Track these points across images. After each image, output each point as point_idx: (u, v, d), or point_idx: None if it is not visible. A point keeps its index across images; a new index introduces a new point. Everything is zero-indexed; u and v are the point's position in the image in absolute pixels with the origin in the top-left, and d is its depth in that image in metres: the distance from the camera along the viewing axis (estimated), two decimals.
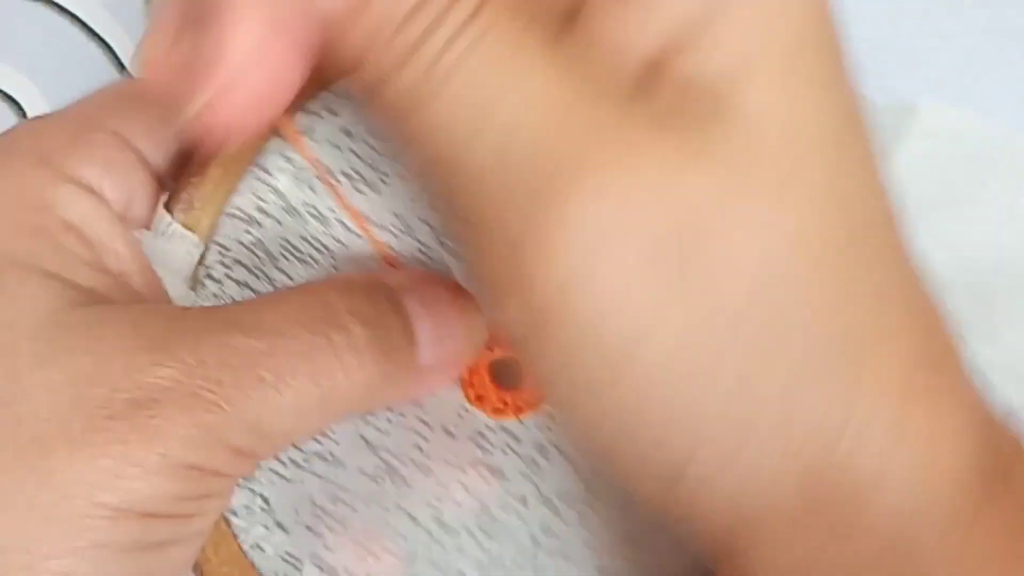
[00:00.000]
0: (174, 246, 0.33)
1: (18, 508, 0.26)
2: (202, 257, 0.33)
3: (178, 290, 0.33)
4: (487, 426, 0.34)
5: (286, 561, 0.33)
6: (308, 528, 0.33)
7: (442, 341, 0.31)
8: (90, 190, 0.31)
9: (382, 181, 0.34)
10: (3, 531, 0.26)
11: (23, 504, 0.26)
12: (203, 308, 0.29)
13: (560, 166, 0.24)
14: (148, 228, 0.33)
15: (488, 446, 0.34)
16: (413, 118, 0.25)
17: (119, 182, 0.32)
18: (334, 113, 0.34)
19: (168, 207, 0.33)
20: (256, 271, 0.33)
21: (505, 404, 0.34)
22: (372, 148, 0.34)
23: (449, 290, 0.32)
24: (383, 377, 0.29)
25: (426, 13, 0.24)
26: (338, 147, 0.34)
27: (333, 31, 0.25)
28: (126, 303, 0.29)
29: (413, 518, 0.34)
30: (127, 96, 0.33)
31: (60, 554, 0.26)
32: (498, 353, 0.34)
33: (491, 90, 0.24)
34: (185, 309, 0.29)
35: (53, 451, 0.26)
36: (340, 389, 0.29)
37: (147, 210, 0.33)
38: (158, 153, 0.33)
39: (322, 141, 0.33)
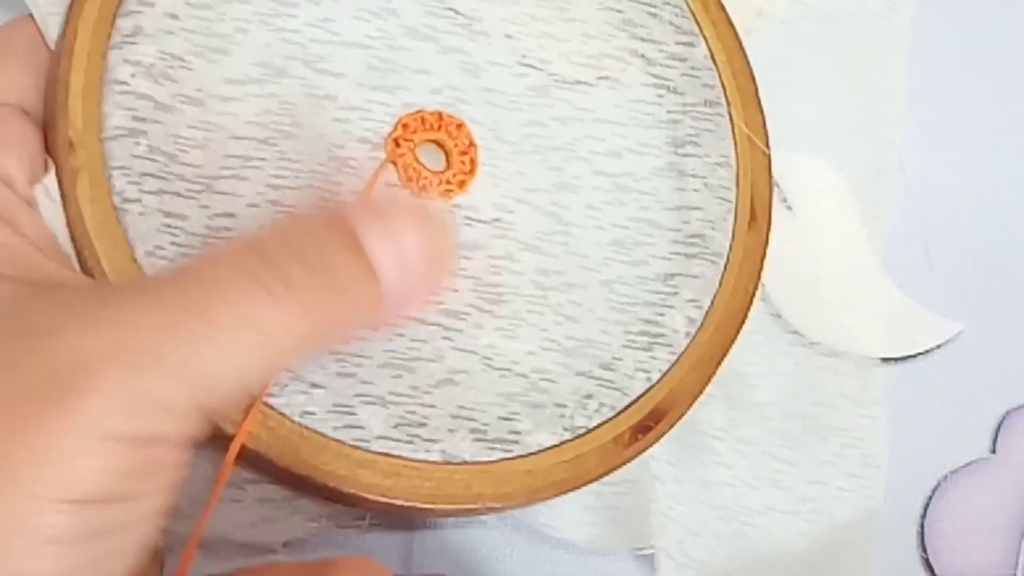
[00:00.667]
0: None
1: None
2: (110, 187, 0.32)
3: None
4: (442, 208, 0.35)
5: (339, 412, 0.33)
6: (339, 374, 0.33)
7: (407, 262, 0.30)
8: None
9: (230, 43, 0.34)
10: None
11: None
12: (126, 280, 0.28)
13: None
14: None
15: (452, 226, 0.35)
16: None
17: (16, 153, 0.31)
18: (150, 4, 0.33)
19: (55, 162, 0.32)
20: (164, 175, 0.33)
21: (449, 183, 0.36)
22: (201, 19, 0.34)
23: (417, 207, 0.31)
24: (332, 317, 0.28)
25: None
26: (171, 32, 0.34)
27: None
28: (43, 285, 0.28)
29: (421, 320, 0.34)
30: None
31: (8, 556, 0.24)
32: (417, 142, 0.35)
33: None
34: (101, 281, 0.28)
35: None
36: (283, 334, 0.27)
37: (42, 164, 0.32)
38: (36, 97, 0.32)
39: (154, 32, 0.33)
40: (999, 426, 0.43)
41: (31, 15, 0.33)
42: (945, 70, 0.46)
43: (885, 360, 0.42)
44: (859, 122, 0.44)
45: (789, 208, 0.42)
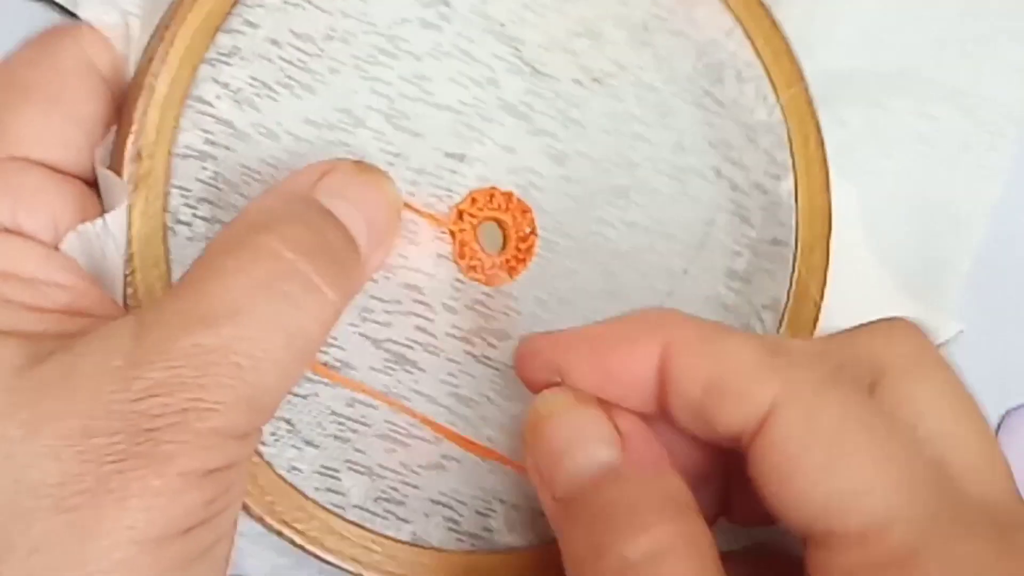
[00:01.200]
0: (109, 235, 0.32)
1: (65, 568, 0.25)
2: (165, 204, 0.32)
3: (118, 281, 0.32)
4: (484, 293, 0.35)
5: (324, 474, 0.33)
6: (335, 437, 0.33)
7: (372, 223, 0.32)
8: (6, 231, 0.30)
9: (319, 82, 0.33)
10: None
11: (68, 563, 0.25)
12: (156, 310, 0.28)
13: None
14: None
15: (488, 312, 0.35)
16: None
17: (35, 207, 0.31)
18: (255, 26, 0.33)
19: (114, 169, 0.31)
20: (222, 204, 0.32)
21: (498, 267, 0.35)
22: (301, 51, 0.33)
23: (355, 167, 0.32)
24: (343, 292, 0.30)
25: (610, 528, 0.28)
26: (268, 59, 0.33)
27: None
28: (84, 340, 0.28)
29: (431, 399, 0.35)
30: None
31: None
32: (481, 218, 0.35)
33: None
34: (139, 320, 0.27)
35: (80, 507, 0.26)
36: (312, 331, 0.29)
37: (76, 213, 0.31)
38: (61, 148, 0.32)
39: (251, 56, 0.33)
40: (999, 426, 0.43)
41: (55, 37, 0.32)
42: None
43: None
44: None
45: None
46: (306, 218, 0.30)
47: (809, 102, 0.39)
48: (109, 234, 0.31)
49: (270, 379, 0.28)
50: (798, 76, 0.39)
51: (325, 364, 0.33)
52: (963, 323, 0.43)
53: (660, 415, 0.31)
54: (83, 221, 0.31)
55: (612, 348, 0.31)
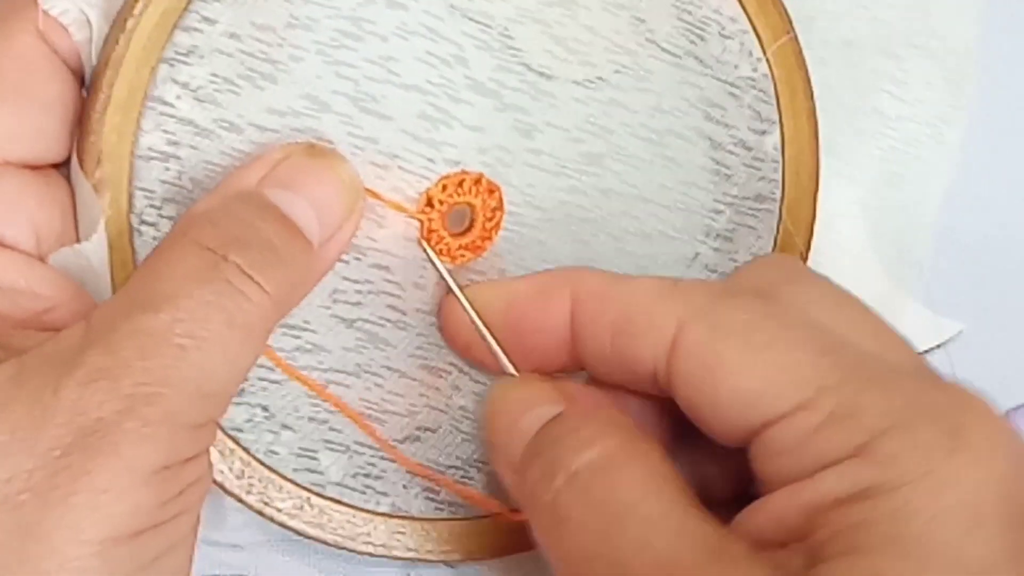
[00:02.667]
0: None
1: (9, 568, 0.25)
2: (130, 206, 0.32)
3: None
4: (448, 270, 0.35)
5: (301, 456, 0.35)
6: (311, 419, 0.34)
7: (323, 211, 0.32)
8: None
9: (281, 71, 0.33)
10: None
11: (13, 563, 0.25)
12: (102, 305, 0.28)
13: None
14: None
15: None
16: (548, 536, 0.30)
17: (14, 217, 0.31)
18: (213, 22, 0.32)
19: (83, 168, 0.32)
20: (187, 202, 0.33)
21: (464, 248, 0.35)
22: (262, 41, 0.33)
23: (306, 154, 0.32)
24: (281, 283, 0.30)
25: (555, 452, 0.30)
26: (228, 53, 0.32)
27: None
28: (40, 344, 0.28)
29: (403, 374, 0.35)
30: None
31: None
32: (450, 204, 0.35)
33: (604, 525, 0.28)
34: (88, 318, 0.28)
35: (23, 507, 0.26)
36: (255, 315, 0.29)
37: (57, 215, 0.32)
38: (35, 141, 0.32)
39: (210, 54, 0.32)
40: None
41: (7, 23, 0.31)
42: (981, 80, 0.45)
43: None
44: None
45: None
46: (238, 213, 0.30)
47: (798, 53, 0.38)
48: (85, 258, 0.31)
49: (216, 362, 0.28)
50: (786, 27, 0.38)
51: (297, 348, 0.34)
52: (963, 323, 0.43)
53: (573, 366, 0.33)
54: (64, 219, 0.32)
55: (524, 300, 0.33)
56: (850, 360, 0.29)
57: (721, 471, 0.32)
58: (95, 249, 0.31)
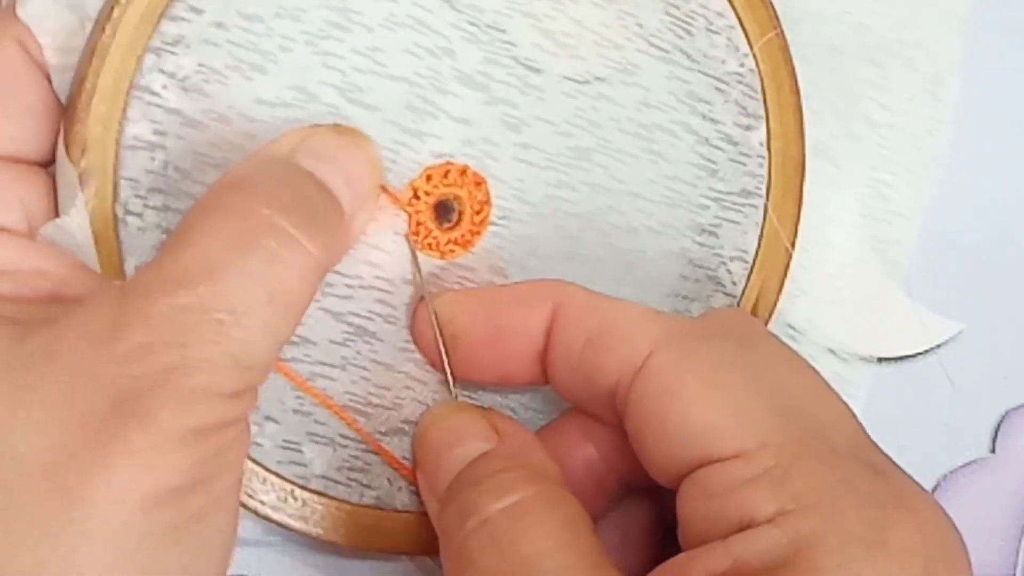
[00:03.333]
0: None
1: (54, 533, 0.26)
2: (115, 195, 0.32)
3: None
4: (439, 267, 0.35)
5: (286, 448, 0.34)
6: (295, 411, 0.34)
7: (353, 183, 0.32)
8: None
9: (270, 61, 0.33)
10: (46, 561, 0.26)
11: (57, 528, 0.26)
12: (136, 278, 0.28)
13: None
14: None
15: (444, 284, 0.35)
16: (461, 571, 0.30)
17: (6, 201, 0.31)
18: (199, 11, 0.32)
19: (69, 157, 0.31)
20: (173, 192, 0.32)
21: (453, 243, 0.35)
22: (249, 31, 0.33)
23: (333, 131, 0.32)
24: (325, 248, 0.30)
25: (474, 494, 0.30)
26: (215, 43, 0.32)
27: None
28: (68, 314, 0.28)
29: (390, 367, 0.35)
30: None
31: (110, 561, 0.26)
32: (436, 196, 0.35)
33: (516, 567, 0.29)
34: (119, 290, 0.28)
35: (64, 471, 0.26)
36: (294, 285, 0.29)
37: (47, 202, 0.32)
38: (19, 140, 0.32)
39: (197, 43, 0.32)
40: (998, 426, 0.44)
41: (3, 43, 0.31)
42: (967, 91, 0.45)
43: (884, 360, 0.43)
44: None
45: None
46: (283, 176, 0.30)
47: (784, 48, 0.39)
48: (66, 232, 0.31)
49: (255, 334, 0.28)
50: (773, 23, 0.38)
51: None
52: (963, 323, 0.43)
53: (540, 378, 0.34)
54: (51, 211, 0.32)
55: (506, 307, 0.34)
56: (799, 427, 0.30)
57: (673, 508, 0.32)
58: (78, 224, 0.31)
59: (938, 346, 0.43)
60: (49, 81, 0.32)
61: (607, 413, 0.33)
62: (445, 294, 0.35)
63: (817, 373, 0.32)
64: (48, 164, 0.33)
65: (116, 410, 0.26)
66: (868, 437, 0.32)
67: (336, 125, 0.33)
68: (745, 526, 0.28)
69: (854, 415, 0.32)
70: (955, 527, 0.30)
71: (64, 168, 0.32)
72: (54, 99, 0.32)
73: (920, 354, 0.43)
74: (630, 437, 0.32)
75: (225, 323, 0.27)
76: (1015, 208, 0.45)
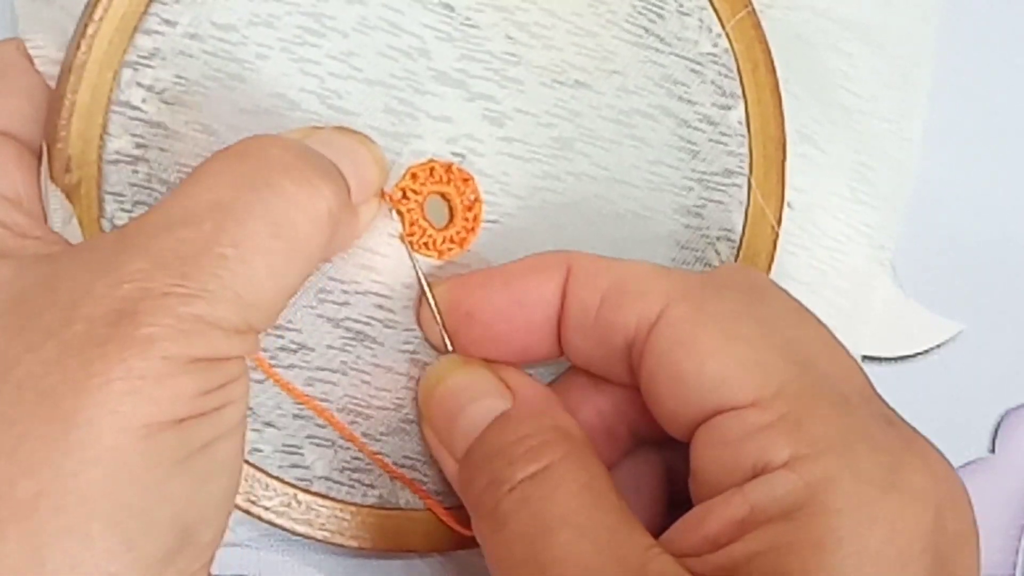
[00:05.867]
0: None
1: (53, 462, 0.25)
2: (101, 210, 0.32)
3: None
4: (435, 266, 0.35)
5: (286, 452, 0.34)
6: (295, 416, 0.34)
7: (360, 175, 0.32)
8: None
9: (248, 70, 0.33)
10: (45, 490, 0.25)
11: (59, 452, 0.25)
12: (139, 217, 0.28)
13: None
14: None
15: (441, 280, 0.36)
16: (485, 539, 0.31)
17: (4, 173, 0.31)
18: (173, 23, 0.32)
19: (52, 175, 0.32)
20: None
21: (449, 241, 0.35)
22: (224, 41, 0.33)
23: (339, 130, 0.33)
24: (338, 196, 0.29)
25: (502, 462, 0.31)
26: (190, 55, 0.32)
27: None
28: (69, 249, 0.29)
29: (390, 369, 0.35)
30: None
31: (111, 490, 0.25)
32: (425, 194, 0.35)
33: (538, 534, 0.29)
34: (122, 229, 0.28)
35: (63, 396, 0.25)
36: (304, 228, 0.28)
37: (34, 183, 0.32)
38: (14, 119, 0.32)
39: (172, 55, 0.32)
40: (998, 426, 0.44)
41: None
42: (945, 70, 0.45)
43: (884, 359, 0.43)
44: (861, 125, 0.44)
45: (789, 205, 0.42)
46: (289, 139, 0.30)
47: (756, 26, 0.39)
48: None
49: (259, 272, 0.27)
50: (744, 1, 0.38)
51: (281, 348, 0.34)
52: (963, 323, 0.43)
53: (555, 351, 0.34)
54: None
55: (520, 277, 0.34)
56: (812, 376, 0.30)
57: (686, 467, 0.33)
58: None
59: (938, 346, 0.43)
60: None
61: (621, 373, 0.33)
62: (455, 276, 0.35)
63: (825, 326, 0.33)
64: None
65: (114, 332, 0.25)
66: (875, 390, 0.32)
67: (340, 126, 0.33)
68: (760, 472, 0.29)
69: (861, 368, 0.32)
70: (960, 479, 0.30)
71: (53, 193, 0.32)
72: (47, 87, 0.32)
73: (921, 354, 0.43)
74: (643, 391, 0.32)
75: (228, 257, 0.27)
76: (1015, 208, 0.45)
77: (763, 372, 0.30)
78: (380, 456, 0.35)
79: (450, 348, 0.34)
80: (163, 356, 0.26)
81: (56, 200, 0.32)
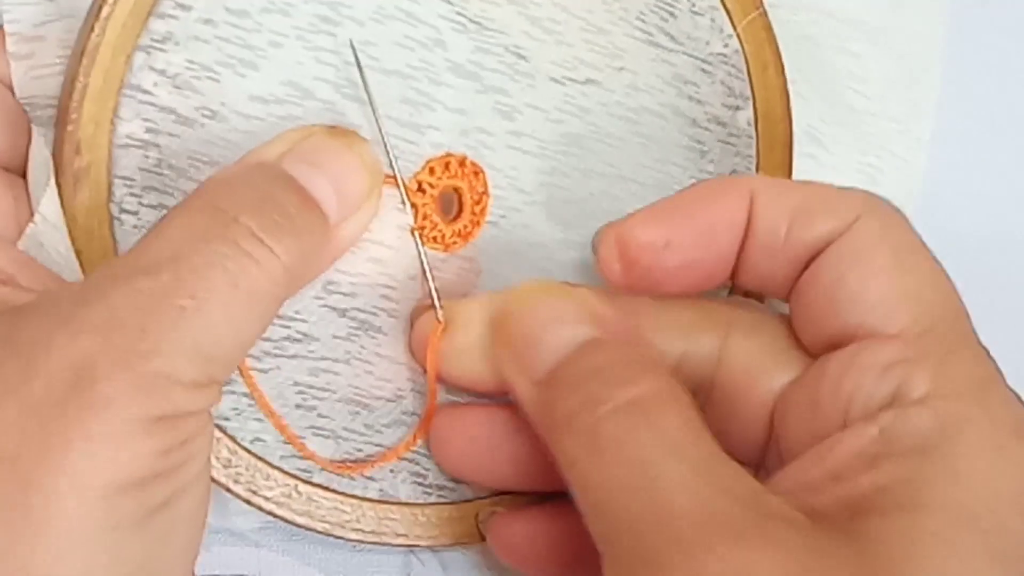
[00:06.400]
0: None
1: (13, 524, 0.25)
2: (110, 194, 0.32)
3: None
4: (441, 259, 0.35)
5: (289, 443, 0.34)
6: (298, 406, 0.34)
7: (342, 189, 0.31)
8: None
9: (262, 57, 0.33)
10: (5, 552, 0.25)
11: (17, 517, 0.25)
12: (101, 268, 0.28)
13: (697, 528, 0.27)
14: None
15: (446, 276, 0.35)
16: (579, 460, 0.29)
17: None
18: (187, 8, 0.32)
19: (56, 165, 0.31)
20: (168, 190, 0.32)
21: (456, 235, 0.35)
22: (238, 27, 0.32)
23: (328, 134, 0.32)
24: (294, 252, 0.29)
25: (599, 382, 0.29)
26: (204, 40, 0.32)
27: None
28: (32, 302, 0.28)
29: (393, 359, 0.35)
30: None
31: (72, 553, 0.25)
32: (440, 188, 0.35)
33: (646, 460, 0.28)
34: (85, 279, 0.28)
35: (21, 459, 0.25)
36: (262, 282, 0.28)
37: (12, 206, 0.32)
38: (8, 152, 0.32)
39: (186, 40, 0.32)
40: None
41: None
42: (949, 75, 0.45)
43: None
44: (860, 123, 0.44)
45: None
46: (256, 181, 0.30)
47: (767, 28, 0.39)
48: (48, 224, 0.31)
49: (218, 325, 0.27)
50: (755, 2, 0.38)
51: (286, 338, 0.34)
52: None
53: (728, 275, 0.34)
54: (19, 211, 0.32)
55: (705, 205, 0.33)
56: (963, 322, 0.31)
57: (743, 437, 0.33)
58: (48, 229, 0.31)
59: None
60: (12, 93, 0.32)
61: (785, 290, 0.33)
62: (637, 213, 0.34)
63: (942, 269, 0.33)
64: (18, 172, 0.33)
65: (72, 393, 0.25)
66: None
67: (332, 127, 0.33)
68: (890, 404, 0.29)
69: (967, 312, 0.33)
70: None
71: (35, 161, 0.32)
72: (18, 108, 0.32)
73: None
74: (793, 300, 0.32)
75: (187, 310, 0.27)
76: (1016, 208, 0.45)
77: (920, 307, 0.31)
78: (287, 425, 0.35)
79: (433, 286, 0.34)
80: (122, 417, 0.26)
81: (41, 157, 0.32)
